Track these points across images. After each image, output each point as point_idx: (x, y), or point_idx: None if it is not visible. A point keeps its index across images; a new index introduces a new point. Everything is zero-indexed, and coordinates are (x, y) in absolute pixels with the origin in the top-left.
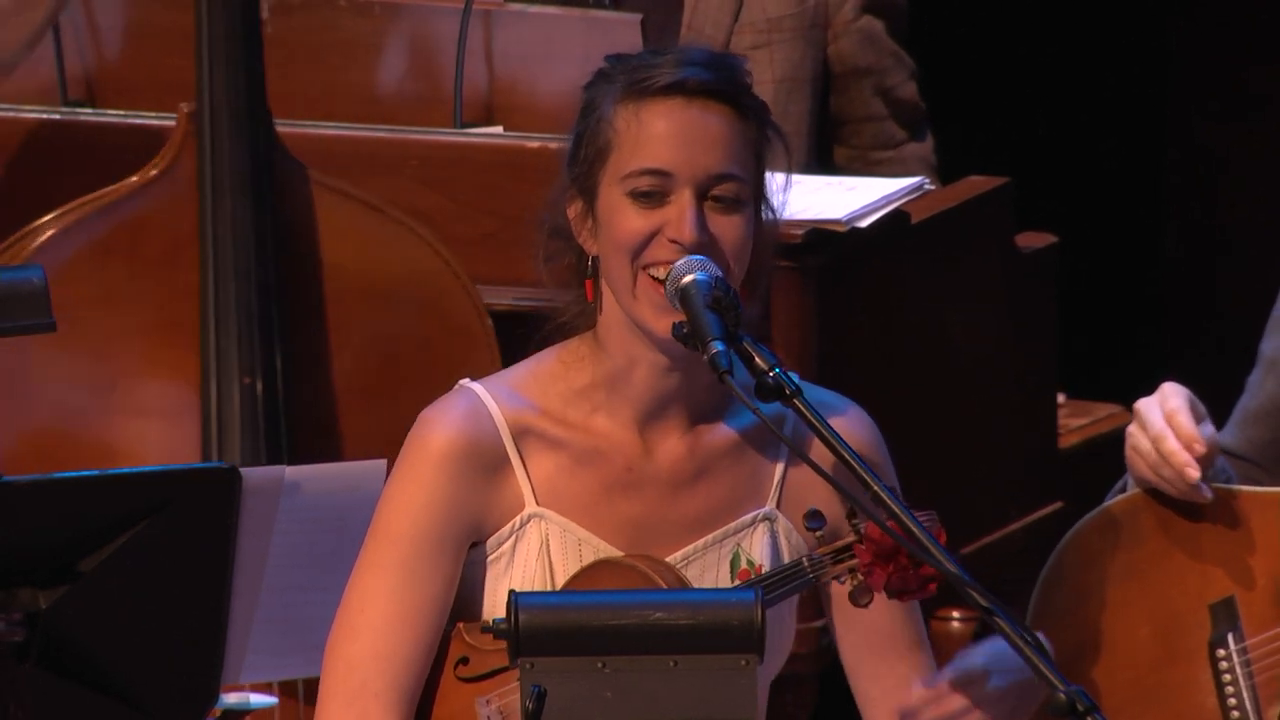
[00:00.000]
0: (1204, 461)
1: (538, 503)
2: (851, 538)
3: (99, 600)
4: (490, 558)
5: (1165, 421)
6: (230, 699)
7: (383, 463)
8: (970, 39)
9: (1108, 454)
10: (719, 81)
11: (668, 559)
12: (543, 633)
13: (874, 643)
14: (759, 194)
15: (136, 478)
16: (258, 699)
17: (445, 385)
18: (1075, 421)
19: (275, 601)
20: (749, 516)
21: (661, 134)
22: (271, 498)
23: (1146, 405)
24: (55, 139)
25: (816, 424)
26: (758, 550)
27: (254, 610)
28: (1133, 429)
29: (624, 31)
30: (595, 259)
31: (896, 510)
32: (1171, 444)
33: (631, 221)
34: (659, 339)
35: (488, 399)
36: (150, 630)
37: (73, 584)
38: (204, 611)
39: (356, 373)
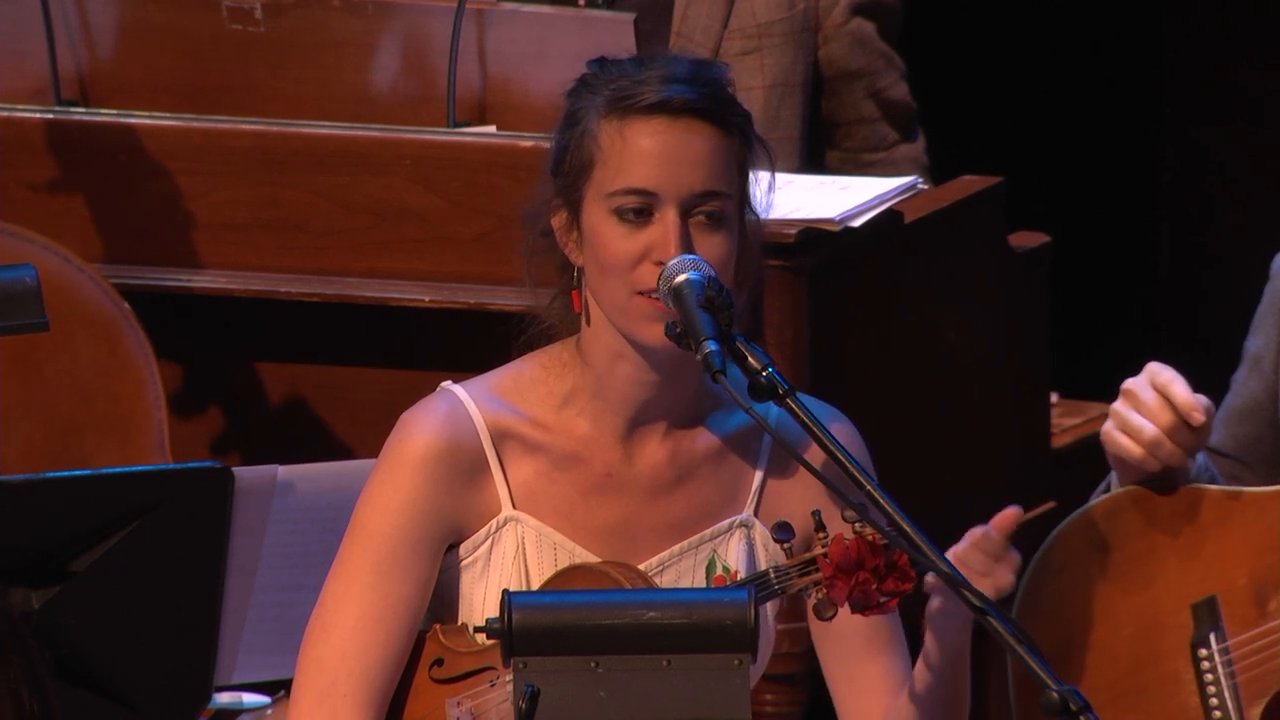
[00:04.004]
0: (1203, 431)
1: (514, 506)
2: (817, 550)
3: (92, 600)
4: (466, 561)
5: (1161, 393)
6: (223, 699)
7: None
8: (962, 38)
9: (1101, 453)
10: (703, 99)
11: (645, 564)
12: (536, 632)
13: (849, 646)
14: (743, 206)
15: (129, 477)
16: (251, 699)
17: (97, 378)
18: (1068, 421)
19: (268, 601)
20: (726, 523)
21: (646, 153)
22: (264, 497)
23: (1138, 384)
24: (49, 139)
25: (809, 423)
26: (734, 557)
27: (247, 610)
28: (1119, 407)
29: (617, 31)
30: (580, 270)
31: (889, 509)
32: (1182, 396)
33: (618, 244)
34: (649, 348)
35: (468, 402)
36: (143, 630)
37: (65, 584)
38: (197, 611)
39: (5, 392)
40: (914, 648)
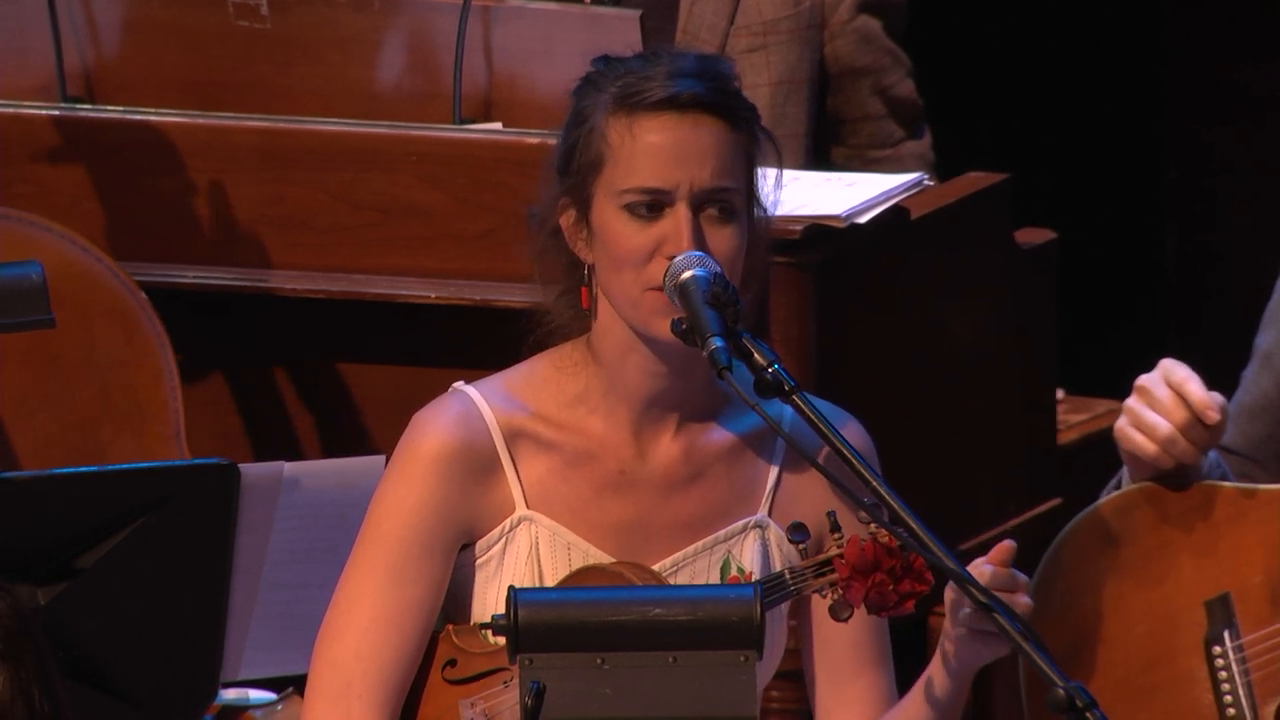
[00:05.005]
0: (1218, 429)
1: (528, 506)
2: (833, 551)
3: (98, 597)
4: (480, 561)
5: (1176, 391)
6: (229, 695)
7: (381, 459)
8: (968, 34)
9: (1107, 450)
10: (711, 93)
11: (659, 564)
12: (542, 628)
13: (837, 655)
14: (751, 198)
15: (135, 474)
16: (257, 695)
17: (114, 368)
18: (1074, 418)
19: (274, 597)
20: (740, 523)
21: (656, 150)
22: (270, 494)
23: (1153, 381)
24: (54, 135)
25: (815, 420)
26: (748, 557)
27: (253, 606)
28: (1133, 403)
29: (623, 27)
30: (591, 267)
31: (896, 507)
32: (1198, 395)
33: (630, 238)
34: (660, 341)
35: (480, 402)
36: (149, 627)
37: (71, 581)
38: (203, 608)
39: (22, 382)
40: (919, 655)
